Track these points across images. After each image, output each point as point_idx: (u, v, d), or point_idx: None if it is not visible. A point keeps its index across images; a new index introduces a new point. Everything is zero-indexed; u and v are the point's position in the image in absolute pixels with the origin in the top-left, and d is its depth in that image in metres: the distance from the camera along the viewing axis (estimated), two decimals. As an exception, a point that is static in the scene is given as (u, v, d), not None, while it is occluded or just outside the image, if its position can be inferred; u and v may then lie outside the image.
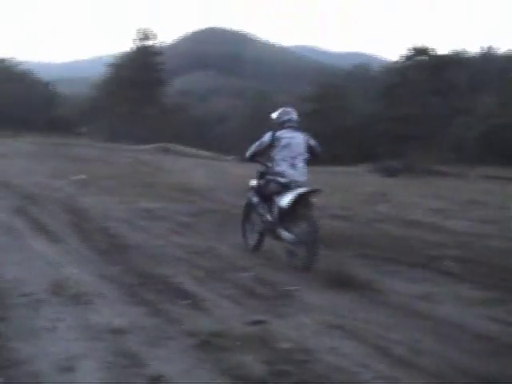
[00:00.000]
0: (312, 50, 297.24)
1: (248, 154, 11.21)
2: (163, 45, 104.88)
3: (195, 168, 31.22)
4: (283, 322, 7.11)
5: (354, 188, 25.04)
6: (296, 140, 10.85)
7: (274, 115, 11.28)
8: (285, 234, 10.26)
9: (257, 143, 11.06)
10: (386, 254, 11.48)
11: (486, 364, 6.01)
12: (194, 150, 60.38)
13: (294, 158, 10.75)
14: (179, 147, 60.11)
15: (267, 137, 10.94)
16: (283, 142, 10.72)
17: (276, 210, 10.49)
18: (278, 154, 10.75)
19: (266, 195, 10.90)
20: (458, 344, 6.56)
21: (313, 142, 11.32)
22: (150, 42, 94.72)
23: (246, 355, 5.93)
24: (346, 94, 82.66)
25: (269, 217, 10.73)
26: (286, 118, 11.10)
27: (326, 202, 17.79)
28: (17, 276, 8.75)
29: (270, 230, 10.78)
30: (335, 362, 5.92)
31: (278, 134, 10.81)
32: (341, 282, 8.78)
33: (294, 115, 11.20)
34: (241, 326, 6.84)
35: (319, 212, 16.14)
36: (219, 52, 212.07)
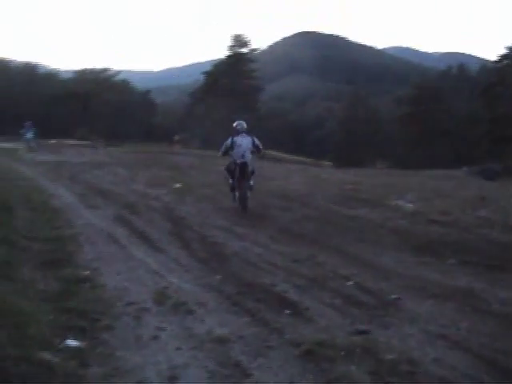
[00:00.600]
0: (409, 51, 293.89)
1: (221, 153, 18.12)
2: (258, 51, 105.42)
3: (292, 174, 31.11)
4: (387, 331, 7.03)
5: (452, 192, 24.50)
6: (245, 141, 17.58)
7: (234, 125, 18.05)
8: (235, 192, 17.60)
9: (223, 146, 17.85)
10: (488, 260, 11.14)
11: None
12: (290, 156, 60.41)
13: (244, 151, 17.46)
14: (275, 153, 60.20)
15: (229, 141, 17.68)
16: (237, 143, 17.51)
17: (234, 178, 17.46)
18: (235, 150, 17.47)
19: (231, 171, 17.63)
20: None
21: (257, 141, 17.84)
22: (244, 49, 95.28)
23: (351, 366, 5.89)
24: (442, 96, 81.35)
25: (231, 182, 17.68)
26: (239, 127, 17.85)
27: (423, 207, 17.52)
28: (120, 285, 8.91)
29: (232, 189, 17.69)
30: (440, 373, 5.82)
31: (235, 138, 17.58)
32: (442, 291, 8.64)
33: (244, 125, 17.96)
34: (344, 336, 6.79)
35: (416, 217, 16.03)
36: (314, 56, 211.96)
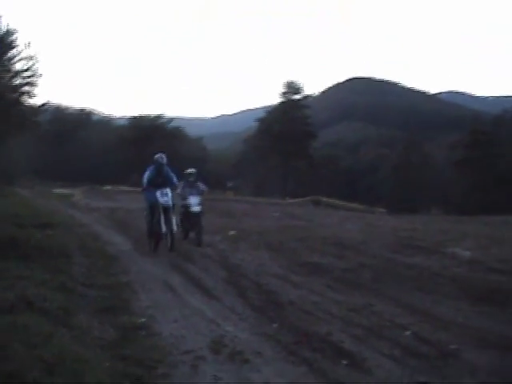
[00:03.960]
0: (462, 95, 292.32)
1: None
2: (311, 97, 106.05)
3: (346, 221, 31.02)
4: (447, 383, 6.88)
5: (510, 239, 24.15)
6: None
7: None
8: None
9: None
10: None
11: None
12: (343, 203, 60.27)
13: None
14: (329, 200, 60.19)
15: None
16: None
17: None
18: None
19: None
20: None
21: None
22: (297, 95, 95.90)
23: (411, 419, 5.77)
24: (498, 140, 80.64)
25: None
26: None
27: (481, 255, 17.25)
28: (176, 333, 8.89)
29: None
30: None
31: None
32: (503, 342, 8.46)
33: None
34: (404, 388, 6.66)
35: (474, 265, 15.76)
36: (366, 101, 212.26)
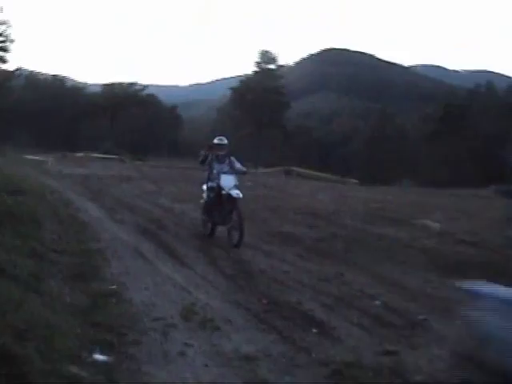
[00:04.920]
0: (436, 69, 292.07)
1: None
2: (285, 67, 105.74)
3: (318, 191, 31.06)
4: (415, 352, 6.97)
5: (481, 211, 24.33)
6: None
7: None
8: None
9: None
10: (519, 282, 11.06)
11: None
12: (316, 173, 60.34)
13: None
14: (301, 170, 60.22)
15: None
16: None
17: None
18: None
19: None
20: None
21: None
22: (271, 65, 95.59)
23: (379, 387, 5.85)
24: (469, 114, 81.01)
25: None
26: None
27: (451, 227, 17.42)
28: (146, 300, 8.90)
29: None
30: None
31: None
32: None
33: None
34: (372, 356, 6.74)
35: (443, 237, 15.93)
36: (341, 73, 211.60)
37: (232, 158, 15.83)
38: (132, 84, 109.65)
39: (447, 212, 21.47)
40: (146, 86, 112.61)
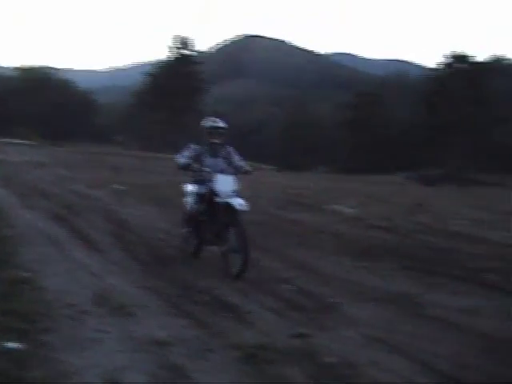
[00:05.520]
0: (352, 57, 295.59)
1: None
2: (201, 53, 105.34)
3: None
4: (326, 335, 7.10)
5: (393, 197, 24.84)
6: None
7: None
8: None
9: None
10: (427, 266, 11.36)
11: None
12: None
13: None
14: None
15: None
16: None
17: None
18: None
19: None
20: (506, 359, 6.48)
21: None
22: (187, 51, 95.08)
23: (291, 369, 5.93)
24: (383, 102, 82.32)
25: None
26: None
27: (363, 212, 17.72)
28: (60, 287, 8.80)
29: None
30: (379, 376, 5.89)
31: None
32: (381, 295, 8.77)
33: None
34: (285, 339, 6.83)
35: (356, 222, 16.23)
36: (259, 60, 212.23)
37: (230, 149, 11.80)
38: (46, 68, 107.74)
39: (360, 198, 21.83)
40: (60, 70, 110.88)
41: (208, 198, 10.83)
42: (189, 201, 11.55)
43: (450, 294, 9.36)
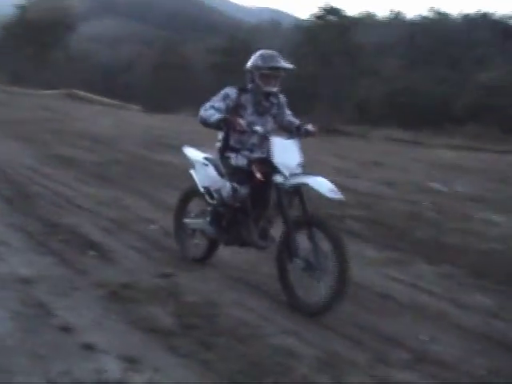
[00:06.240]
0: (225, 2, 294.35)
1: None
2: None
3: (101, 116, 30.56)
4: (190, 275, 7.20)
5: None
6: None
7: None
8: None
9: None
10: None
11: (390, 323, 6.23)
12: (99, 98, 59.35)
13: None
14: (84, 94, 59.02)
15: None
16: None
17: None
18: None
19: None
20: (362, 302, 6.75)
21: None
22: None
23: (154, 307, 6.02)
24: (253, 49, 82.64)
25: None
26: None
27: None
28: None
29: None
30: (240, 315, 6.06)
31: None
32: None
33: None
34: (148, 278, 6.91)
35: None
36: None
37: (283, 101, 7.65)
38: None
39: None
40: None
41: (258, 177, 6.66)
42: (207, 177, 7.52)
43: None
